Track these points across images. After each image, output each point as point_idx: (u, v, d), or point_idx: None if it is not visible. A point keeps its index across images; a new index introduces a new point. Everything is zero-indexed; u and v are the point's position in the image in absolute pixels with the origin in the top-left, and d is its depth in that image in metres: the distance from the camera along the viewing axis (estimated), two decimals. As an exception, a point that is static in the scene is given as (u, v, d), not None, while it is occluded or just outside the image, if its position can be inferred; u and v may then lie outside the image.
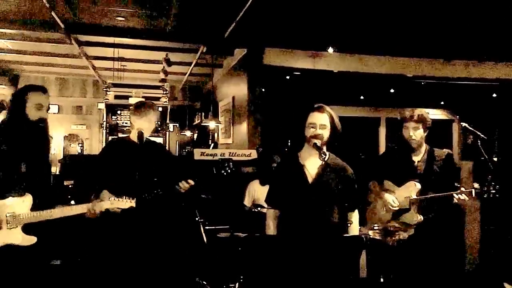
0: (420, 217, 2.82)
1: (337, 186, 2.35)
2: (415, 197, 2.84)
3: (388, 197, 2.93)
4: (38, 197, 2.34)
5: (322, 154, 2.26)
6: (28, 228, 2.30)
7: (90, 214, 2.50)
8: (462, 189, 2.70)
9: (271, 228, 2.41)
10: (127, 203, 2.58)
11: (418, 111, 2.93)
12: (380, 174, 3.07)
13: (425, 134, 2.94)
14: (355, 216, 2.47)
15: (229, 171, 2.89)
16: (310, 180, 2.34)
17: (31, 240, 2.29)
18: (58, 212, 2.35)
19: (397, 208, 2.89)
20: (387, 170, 3.04)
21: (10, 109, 2.45)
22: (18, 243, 2.26)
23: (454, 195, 2.70)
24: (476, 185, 2.69)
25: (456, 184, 2.82)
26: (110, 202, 2.54)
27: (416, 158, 2.97)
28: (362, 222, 2.81)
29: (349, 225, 2.39)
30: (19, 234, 2.26)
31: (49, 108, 2.54)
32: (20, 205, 2.27)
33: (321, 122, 2.34)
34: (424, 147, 2.99)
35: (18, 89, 2.54)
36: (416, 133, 2.90)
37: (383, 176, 3.05)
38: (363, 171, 3.03)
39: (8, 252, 2.23)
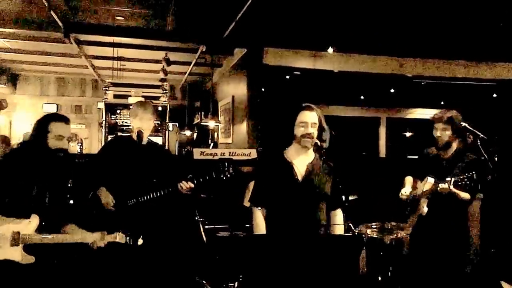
0: (425, 209, 2.93)
1: (326, 183, 2.36)
2: (424, 190, 2.99)
3: (404, 188, 3.12)
4: (45, 220, 2.37)
5: (323, 155, 2.27)
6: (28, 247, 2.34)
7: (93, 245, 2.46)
8: (447, 178, 2.80)
9: (259, 227, 2.40)
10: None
11: (449, 113, 3.01)
12: (417, 172, 3.19)
13: (455, 135, 3.00)
14: (339, 218, 2.46)
15: (228, 175, 2.88)
16: (300, 178, 2.35)
17: (30, 260, 2.32)
18: (61, 238, 2.38)
19: (405, 197, 3.08)
20: (420, 168, 3.17)
21: (32, 136, 2.51)
22: (18, 260, 2.30)
23: (440, 185, 2.81)
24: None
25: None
26: (115, 236, 2.49)
27: (443, 157, 3.07)
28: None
29: (334, 226, 2.40)
30: (20, 253, 2.30)
31: (70, 138, 2.58)
32: (26, 226, 2.32)
33: (312, 120, 2.34)
34: (455, 148, 3.05)
35: (41, 117, 2.58)
36: (444, 134, 2.99)
37: (419, 174, 3.16)
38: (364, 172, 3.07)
39: (7, 266, 2.27)
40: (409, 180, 3.23)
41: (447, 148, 3.03)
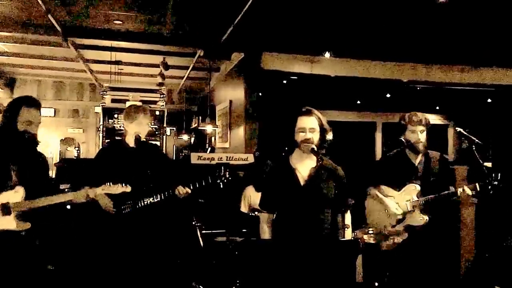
0: (426, 218, 2.86)
1: (329, 187, 2.36)
2: (417, 199, 2.88)
3: (390, 204, 2.94)
4: (29, 192, 2.41)
5: (320, 160, 2.29)
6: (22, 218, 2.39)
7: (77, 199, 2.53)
8: (464, 187, 2.75)
9: (266, 232, 2.42)
10: (119, 188, 2.59)
11: (425, 116, 2.97)
12: (379, 179, 3.06)
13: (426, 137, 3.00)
14: (348, 219, 2.48)
15: (225, 180, 2.89)
16: (302, 182, 2.36)
17: (26, 225, 2.40)
18: (50, 199, 2.43)
19: (401, 216, 2.92)
20: (387, 175, 3.03)
21: (3, 118, 2.53)
22: (13, 228, 2.37)
23: (459, 190, 2.75)
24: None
25: (450, 186, 2.86)
26: (102, 188, 2.57)
27: (416, 161, 3.00)
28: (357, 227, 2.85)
29: (346, 229, 2.41)
30: (13, 220, 2.37)
31: (39, 122, 2.57)
32: (13, 195, 2.39)
33: (310, 125, 2.35)
34: (423, 150, 3.02)
35: (14, 99, 2.59)
36: (422, 136, 2.93)
37: (382, 181, 3.04)
38: (361, 177, 3.04)
39: (5, 236, 2.35)
40: (380, 192, 3.01)
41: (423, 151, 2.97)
